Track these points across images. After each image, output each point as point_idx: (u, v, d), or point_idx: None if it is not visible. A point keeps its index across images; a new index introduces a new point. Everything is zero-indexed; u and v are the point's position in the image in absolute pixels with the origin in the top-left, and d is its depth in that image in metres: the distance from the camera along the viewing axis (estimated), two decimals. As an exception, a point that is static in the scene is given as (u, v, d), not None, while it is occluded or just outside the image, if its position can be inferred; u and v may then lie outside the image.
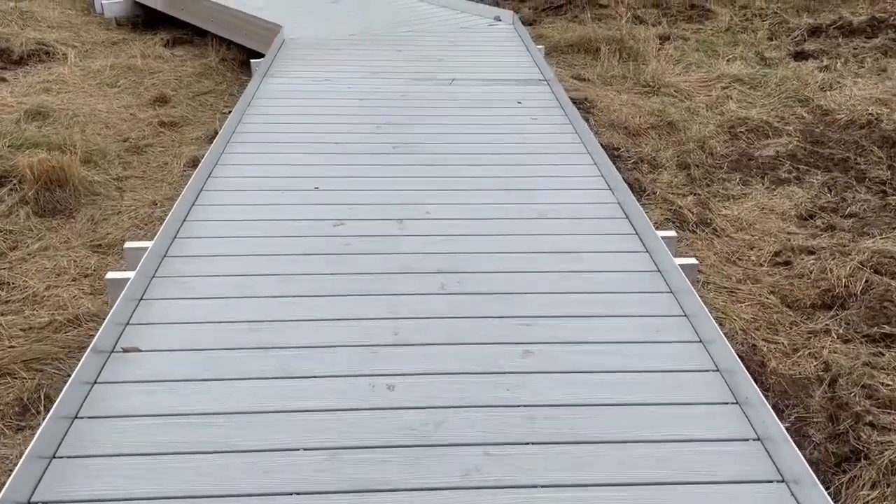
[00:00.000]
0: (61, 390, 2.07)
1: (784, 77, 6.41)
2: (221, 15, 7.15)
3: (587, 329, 2.45)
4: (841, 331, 3.37)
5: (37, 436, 1.89)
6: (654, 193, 4.58)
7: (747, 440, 2.00)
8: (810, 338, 3.35)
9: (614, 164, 3.76)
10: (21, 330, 3.23)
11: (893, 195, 4.53)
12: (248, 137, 4.00)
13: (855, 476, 2.59)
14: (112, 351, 2.32)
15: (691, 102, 6.06)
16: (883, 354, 3.18)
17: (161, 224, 3.08)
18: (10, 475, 1.80)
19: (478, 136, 4.09)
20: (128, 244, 3.11)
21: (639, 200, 3.35)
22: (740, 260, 3.99)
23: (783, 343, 3.32)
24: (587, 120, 5.01)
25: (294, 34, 6.18)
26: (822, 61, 6.91)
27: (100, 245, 3.93)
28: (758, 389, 2.09)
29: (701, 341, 2.39)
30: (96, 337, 2.28)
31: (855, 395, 2.93)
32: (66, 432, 2.00)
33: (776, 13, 8.40)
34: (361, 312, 2.52)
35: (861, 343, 3.27)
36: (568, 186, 3.49)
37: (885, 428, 2.76)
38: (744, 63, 6.95)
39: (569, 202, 3.34)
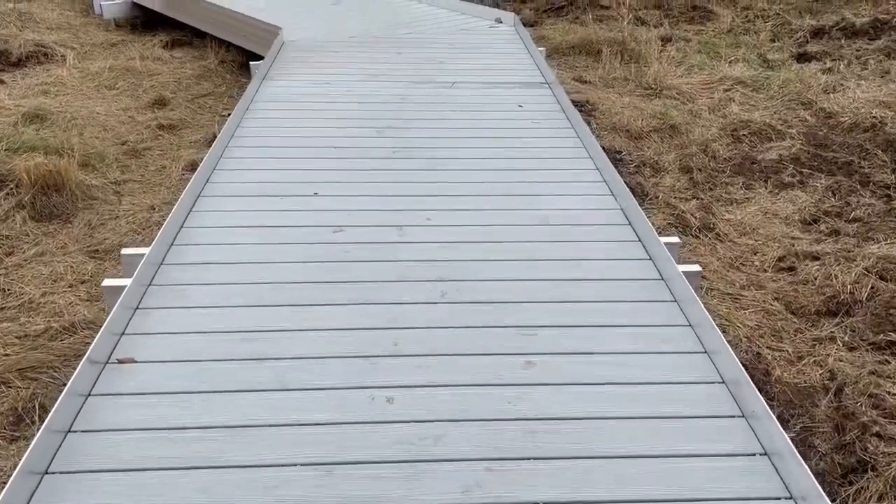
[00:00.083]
0: (56, 400, 2.04)
1: (787, 79, 6.37)
2: (220, 16, 7.12)
3: (590, 339, 2.41)
4: (846, 338, 3.33)
5: (29, 450, 1.85)
6: (657, 198, 4.54)
7: (754, 455, 1.96)
8: (815, 345, 3.31)
9: (616, 167, 3.72)
10: (16, 337, 3.19)
11: (898, 199, 4.50)
12: (247, 142, 3.97)
13: (862, 488, 2.55)
14: (107, 362, 2.28)
15: (693, 105, 6.02)
16: (889, 362, 3.14)
17: (159, 229, 3.04)
18: (1, 490, 1.76)
19: (478, 139, 4.05)
20: (125, 251, 3.07)
21: (641, 205, 3.31)
22: (744, 265, 3.95)
23: (788, 351, 3.27)
24: (589, 123, 4.97)
25: (294, 36, 6.15)
26: (825, 63, 6.87)
27: (97, 250, 3.89)
28: (764, 402, 2.05)
29: (706, 352, 2.35)
30: (91, 347, 2.24)
31: (861, 405, 2.89)
32: (59, 446, 1.96)
33: (778, 14, 8.36)
34: (360, 322, 2.48)
35: (867, 351, 3.23)
36: (570, 192, 3.45)
37: (893, 439, 2.72)
38: (746, 65, 6.91)
39: (571, 208, 3.30)
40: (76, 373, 2.13)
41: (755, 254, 4.04)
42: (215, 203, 3.29)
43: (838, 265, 3.78)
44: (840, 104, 5.80)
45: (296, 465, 1.90)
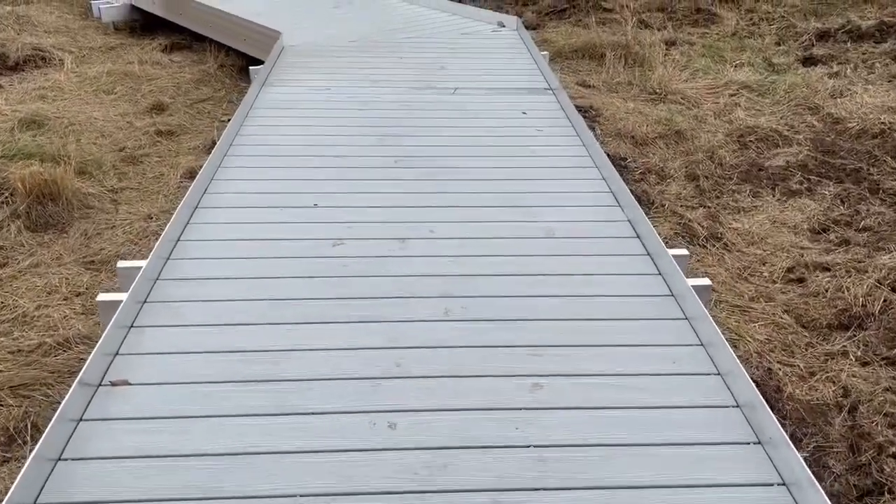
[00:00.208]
0: (49, 419, 1.96)
1: (793, 84, 6.29)
2: (220, 20, 7.04)
3: (598, 359, 2.33)
4: (859, 353, 3.25)
5: (17, 482, 1.78)
6: (663, 206, 4.47)
7: (771, 485, 1.88)
8: (827, 360, 3.23)
9: (621, 175, 3.64)
10: (9, 353, 3.12)
11: (909, 208, 4.42)
12: (246, 150, 3.89)
13: (879, 512, 2.48)
14: (100, 384, 2.20)
15: (699, 110, 5.95)
16: (904, 379, 3.06)
17: (156, 240, 2.97)
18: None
19: (482, 148, 3.98)
20: (120, 263, 3.00)
21: (647, 213, 3.24)
22: (752, 276, 3.87)
23: (799, 366, 3.20)
24: (593, 129, 4.90)
25: (294, 41, 6.07)
26: (831, 67, 6.79)
27: (93, 261, 3.82)
28: (781, 429, 1.97)
29: (719, 373, 2.28)
30: (83, 369, 2.16)
31: (877, 424, 2.81)
32: (49, 476, 1.88)
33: (783, 17, 8.28)
34: (361, 341, 2.40)
35: (881, 366, 3.15)
36: (576, 203, 3.37)
37: (910, 460, 2.65)
38: (751, 69, 6.84)
39: (577, 220, 3.22)
40: (67, 397, 2.05)
41: (764, 264, 3.97)
42: (213, 215, 3.22)
43: (849, 277, 3.71)
44: (848, 109, 5.72)
45: (296, 496, 1.83)
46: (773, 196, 4.65)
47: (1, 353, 3.10)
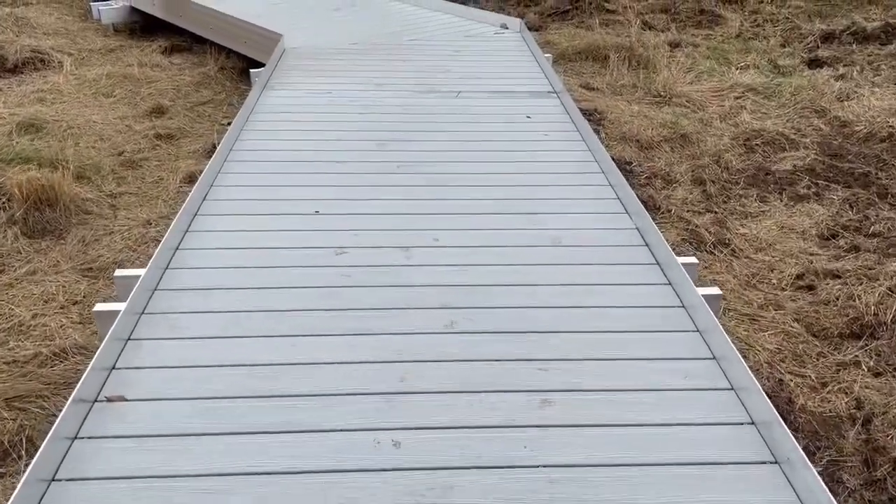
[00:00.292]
0: (45, 432, 1.91)
1: (799, 86, 6.23)
2: (220, 23, 6.98)
3: (608, 374, 2.27)
4: (871, 363, 3.19)
5: (8, 505, 1.72)
6: (670, 211, 4.40)
7: (790, 508, 1.82)
8: (839, 371, 3.17)
9: (626, 179, 3.58)
10: (4, 364, 3.05)
11: (919, 214, 4.36)
12: (246, 156, 3.82)
13: (896, 530, 2.41)
14: (95, 400, 2.14)
15: (704, 113, 5.88)
16: (918, 391, 3.00)
17: (155, 247, 2.90)
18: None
19: (486, 153, 3.91)
20: (118, 272, 2.94)
21: (653, 219, 3.16)
22: (761, 283, 3.81)
23: (811, 377, 3.13)
24: (597, 132, 4.83)
25: (295, 43, 6.00)
26: (836, 69, 6.72)
27: (90, 269, 3.76)
28: (798, 448, 1.91)
29: (732, 388, 2.21)
30: (79, 385, 2.10)
31: (891, 438, 2.75)
32: (42, 498, 1.82)
33: (787, 18, 8.22)
34: (364, 355, 2.34)
35: (894, 377, 3.09)
36: (582, 210, 3.30)
37: (927, 476, 2.58)
38: (756, 71, 6.77)
39: (584, 227, 3.15)
40: (61, 414, 1.99)
41: (772, 271, 3.90)
42: (212, 222, 3.15)
43: (860, 284, 3.64)
44: (855, 112, 5.66)
45: (297, 519, 1.77)
46: (781, 201, 4.58)
47: (-4, 364, 3.04)
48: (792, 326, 3.45)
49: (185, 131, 5.63)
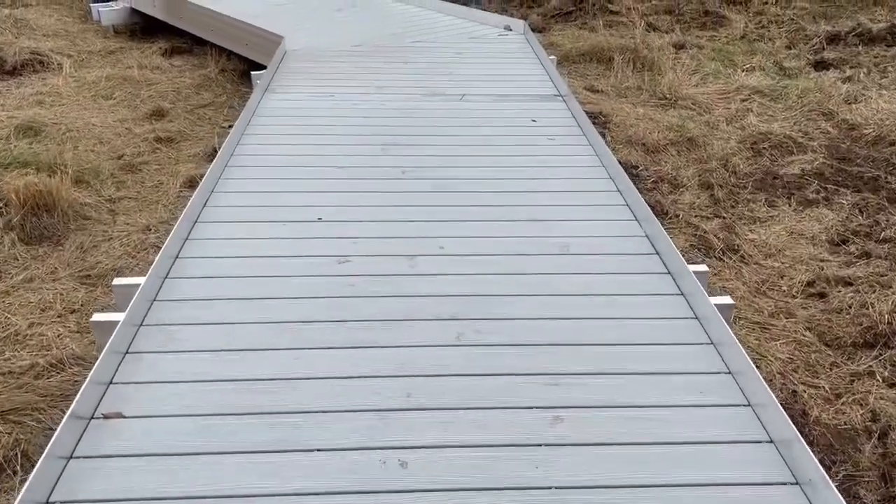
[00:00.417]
0: (41, 446, 1.85)
1: (805, 88, 6.16)
2: (221, 24, 6.91)
3: (621, 389, 2.20)
4: (886, 373, 3.12)
5: (0, 530, 1.65)
6: (677, 217, 4.33)
7: (813, 532, 1.75)
8: (853, 381, 3.10)
9: (633, 184, 3.51)
10: (0, 375, 2.98)
11: (931, 219, 4.29)
12: (248, 160, 3.75)
13: (916, 549, 2.34)
14: (92, 417, 2.07)
15: (710, 116, 5.81)
16: (935, 403, 2.93)
17: (154, 253, 2.84)
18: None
19: (491, 158, 3.84)
20: (117, 281, 2.88)
21: (661, 224, 3.10)
22: (771, 290, 3.74)
23: (824, 388, 3.07)
24: (603, 136, 4.76)
25: (296, 45, 5.94)
26: (843, 71, 6.65)
27: (88, 276, 3.69)
28: (821, 468, 1.84)
29: (749, 405, 2.14)
30: (75, 401, 2.03)
31: (909, 452, 2.68)
32: (36, 521, 1.76)
33: (792, 20, 8.14)
34: (368, 369, 2.27)
35: (910, 388, 3.02)
36: (591, 216, 3.24)
37: (947, 492, 2.52)
38: (762, 73, 6.70)
39: (593, 235, 3.08)
40: (57, 432, 1.92)
41: (782, 277, 3.83)
42: (213, 230, 3.08)
43: (873, 292, 3.57)
44: (863, 115, 5.59)
45: (300, 545, 1.70)
46: (790, 206, 4.51)
47: (-8, 375, 2.98)
48: (804, 335, 3.38)
49: (186, 134, 5.56)
